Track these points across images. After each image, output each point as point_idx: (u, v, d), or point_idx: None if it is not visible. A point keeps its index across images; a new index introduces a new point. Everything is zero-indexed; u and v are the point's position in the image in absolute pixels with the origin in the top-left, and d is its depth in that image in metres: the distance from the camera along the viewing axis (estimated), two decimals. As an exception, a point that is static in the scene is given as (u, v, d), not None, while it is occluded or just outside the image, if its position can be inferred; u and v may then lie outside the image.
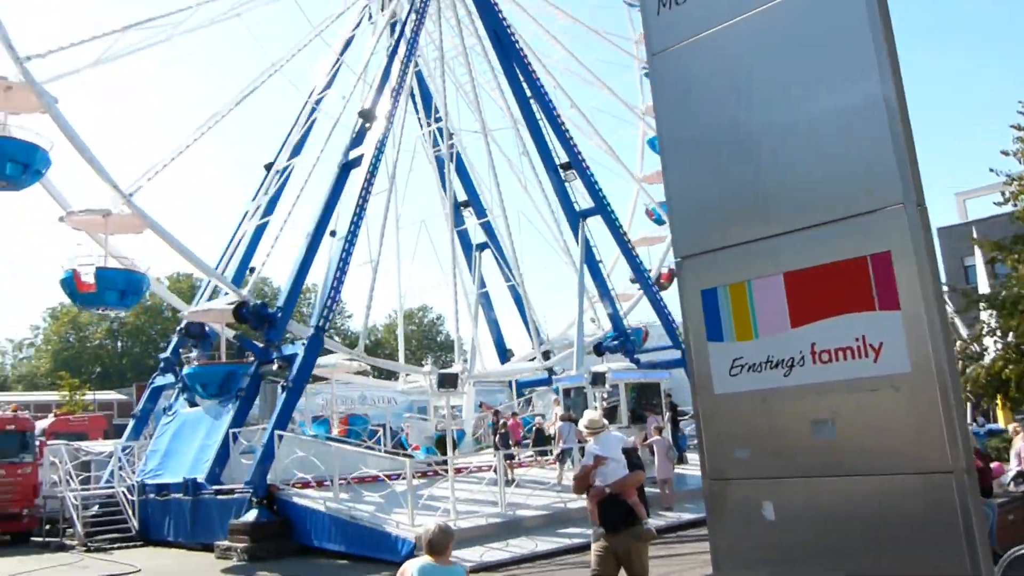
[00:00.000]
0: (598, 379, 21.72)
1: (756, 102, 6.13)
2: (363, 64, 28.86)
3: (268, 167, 28.46)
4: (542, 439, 23.47)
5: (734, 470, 6.11)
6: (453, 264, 32.94)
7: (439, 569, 6.75)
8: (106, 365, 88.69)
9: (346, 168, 25.24)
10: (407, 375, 36.40)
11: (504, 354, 37.32)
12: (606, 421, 8.15)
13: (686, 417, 31.23)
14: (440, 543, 6.87)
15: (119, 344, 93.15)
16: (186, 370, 25.94)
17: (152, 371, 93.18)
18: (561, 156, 31.15)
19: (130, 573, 18.72)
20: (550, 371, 35.28)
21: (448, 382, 18.45)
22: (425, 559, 6.80)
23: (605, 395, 22.03)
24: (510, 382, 37.67)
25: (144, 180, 24.20)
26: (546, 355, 36.31)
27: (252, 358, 24.05)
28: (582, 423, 8.37)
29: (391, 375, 44.85)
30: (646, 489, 8.64)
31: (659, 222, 41.09)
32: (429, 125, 34.81)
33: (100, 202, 23.24)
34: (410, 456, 21.73)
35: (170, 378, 27.87)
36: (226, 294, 25.24)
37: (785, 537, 5.67)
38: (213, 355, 25.41)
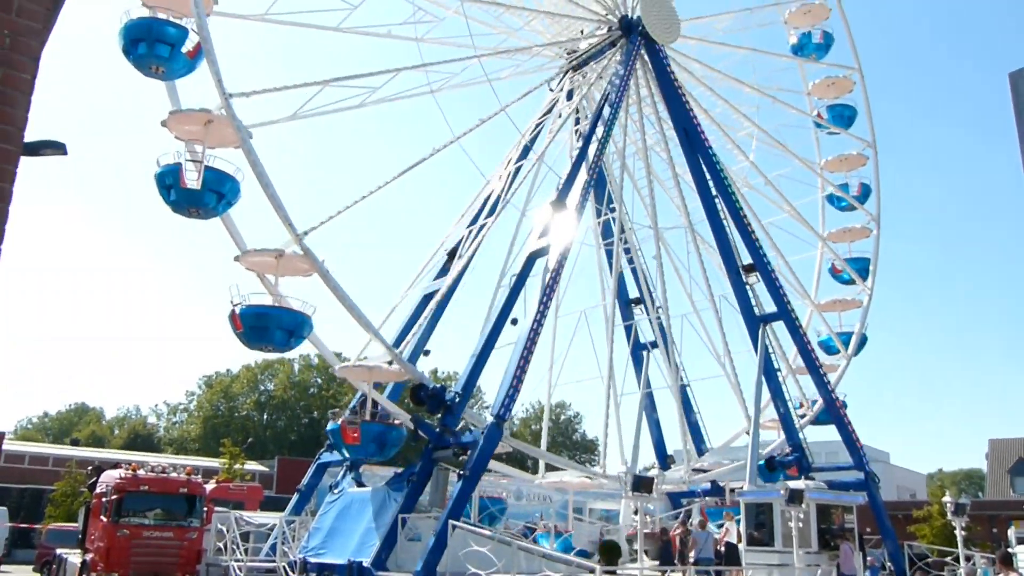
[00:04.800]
0: (795, 496, 19.93)
1: None
2: (544, 147, 28.87)
3: (451, 253, 28.56)
4: (735, 557, 21.83)
5: None
6: (610, 358, 32.08)
7: None
8: (250, 436, 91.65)
9: (533, 257, 25.01)
10: (545, 470, 35.09)
11: (664, 459, 35.64)
12: None
13: (869, 544, 28.73)
14: None
15: (264, 416, 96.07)
16: (330, 425, 25.60)
17: (293, 446, 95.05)
18: (744, 257, 30.06)
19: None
20: (713, 483, 33.37)
21: (644, 486, 17.26)
22: None
23: (802, 515, 20.19)
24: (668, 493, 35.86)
25: (318, 223, 24.32)
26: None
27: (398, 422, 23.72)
28: None
29: (531, 469, 43.50)
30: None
31: (831, 350, 38.88)
32: (602, 216, 34.54)
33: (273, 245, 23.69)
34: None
35: (337, 455, 27.76)
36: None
37: None
38: (371, 414, 25.17)
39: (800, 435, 30.55)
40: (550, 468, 34.72)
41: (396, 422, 24.79)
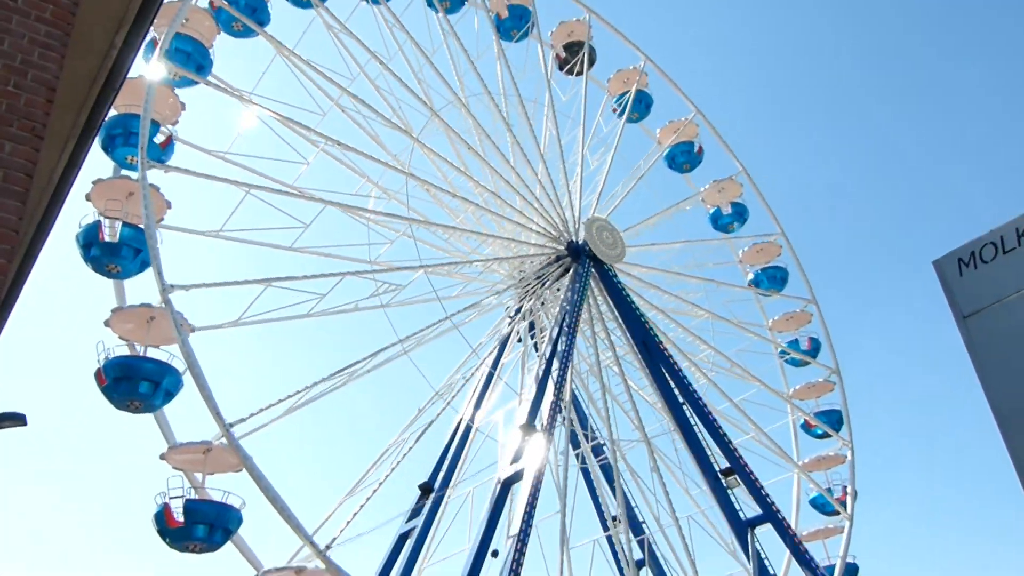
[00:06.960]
0: None
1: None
2: (520, 383, 29.16)
3: (423, 488, 27.95)
4: None
5: None
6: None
7: None
8: None
9: (507, 484, 24.55)
10: None
11: None
12: None
13: None
14: None
15: None
16: (155, 510, 22.95)
17: None
18: (721, 461, 29.79)
19: None
20: None
21: None
22: None
23: None
24: None
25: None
26: None
27: None
28: None
29: None
30: None
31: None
32: (582, 436, 34.37)
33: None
34: None
35: None
36: None
37: None
38: None
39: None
40: None
41: (229, 502, 22.36)
